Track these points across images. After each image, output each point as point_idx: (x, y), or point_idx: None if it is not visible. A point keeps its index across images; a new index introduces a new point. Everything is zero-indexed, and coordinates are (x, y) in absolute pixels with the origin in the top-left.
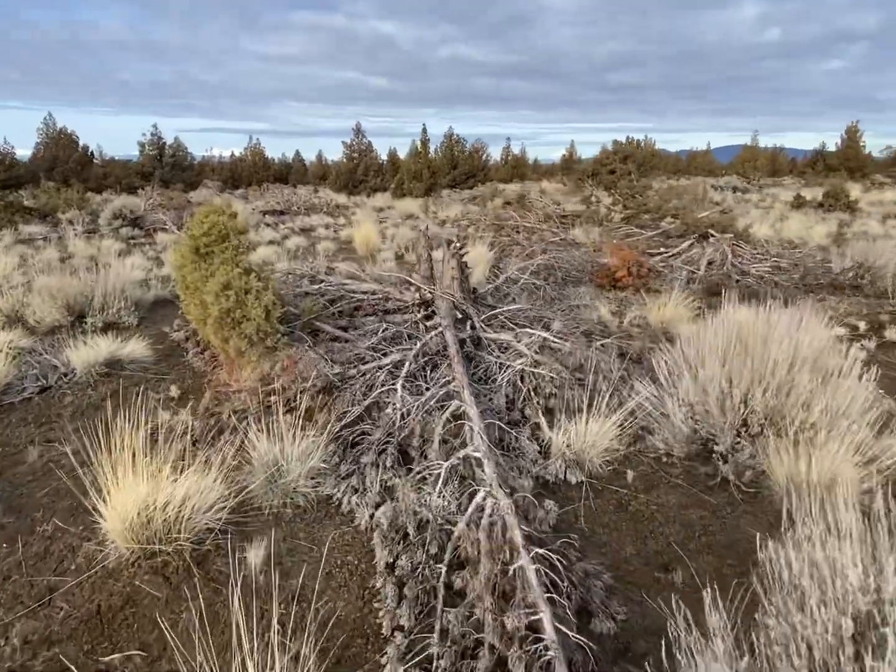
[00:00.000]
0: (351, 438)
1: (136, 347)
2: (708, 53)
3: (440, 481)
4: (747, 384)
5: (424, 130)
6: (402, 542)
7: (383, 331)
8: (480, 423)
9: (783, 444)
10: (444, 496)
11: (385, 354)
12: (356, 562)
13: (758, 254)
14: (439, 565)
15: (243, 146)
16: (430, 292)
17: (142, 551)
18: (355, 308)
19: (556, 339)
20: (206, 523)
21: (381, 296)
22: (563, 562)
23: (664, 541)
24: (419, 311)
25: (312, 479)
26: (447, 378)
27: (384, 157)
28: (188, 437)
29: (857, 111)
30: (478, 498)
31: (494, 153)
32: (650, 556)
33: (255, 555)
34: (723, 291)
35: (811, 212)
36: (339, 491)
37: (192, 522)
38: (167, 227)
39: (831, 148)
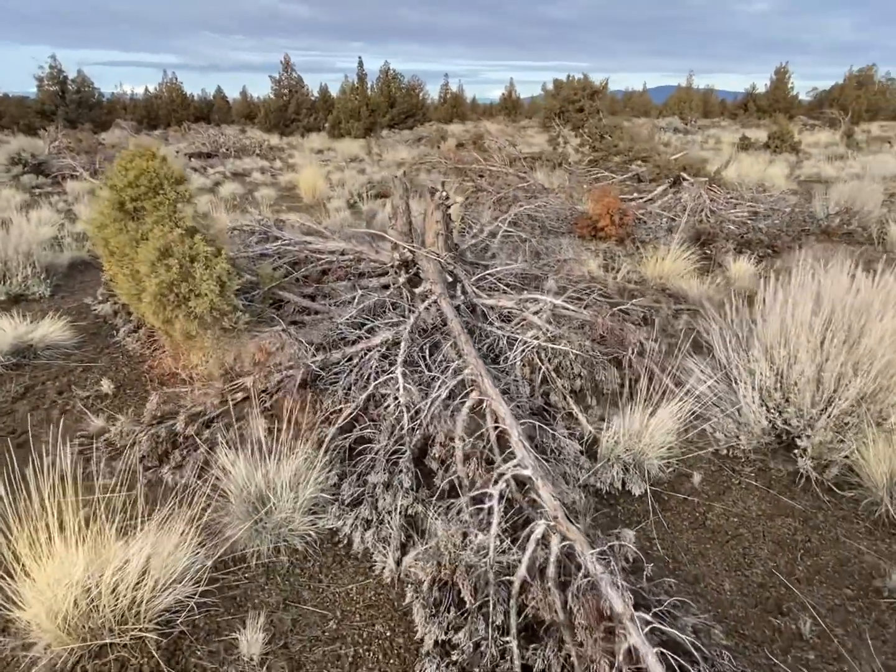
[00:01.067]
0: (348, 446)
1: (52, 328)
2: None
3: (495, 517)
4: (839, 366)
5: (361, 64)
6: (451, 608)
7: (360, 298)
8: (518, 427)
9: (883, 438)
10: (499, 536)
11: (371, 331)
12: (388, 633)
13: (732, 198)
14: (507, 638)
15: (157, 82)
16: (410, 251)
17: (85, 649)
18: (323, 272)
19: (568, 306)
20: (177, 597)
21: (352, 256)
22: (675, 627)
23: (763, 567)
24: (400, 274)
25: (309, 510)
26: (456, 363)
27: (316, 93)
28: (133, 455)
29: (782, 54)
30: (537, 533)
31: (431, 91)
32: (755, 593)
33: (249, 638)
34: (712, 240)
35: (758, 153)
36: (345, 525)
37: (155, 602)
38: (78, 173)
39: (761, 90)
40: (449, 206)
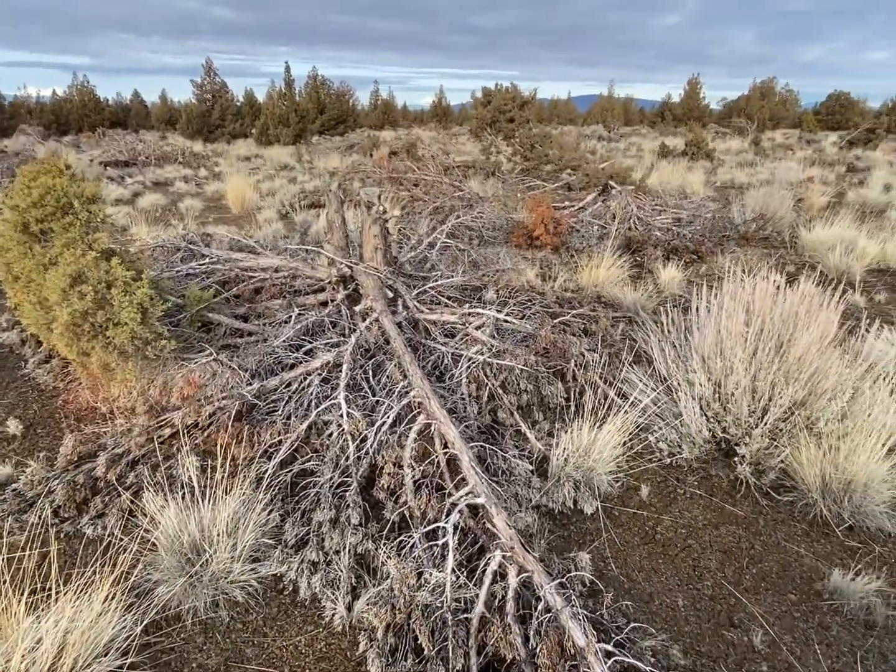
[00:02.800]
0: (290, 480)
1: None
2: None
3: (450, 552)
4: (771, 374)
5: (288, 69)
6: (409, 655)
7: (297, 318)
8: (468, 451)
9: (814, 442)
10: (455, 572)
11: (310, 353)
12: None
13: (657, 205)
14: None
15: (66, 84)
16: (349, 266)
17: None
18: (255, 290)
19: (511, 320)
20: None
21: (286, 272)
22: (635, 654)
23: (713, 579)
24: (339, 290)
25: (250, 556)
26: (401, 384)
27: (241, 98)
28: (47, 505)
29: (694, 65)
30: (493, 565)
31: (361, 97)
32: (708, 607)
33: None
34: (642, 247)
35: (676, 160)
36: (290, 569)
37: None
38: None
39: (676, 99)
40: (387, 220)
